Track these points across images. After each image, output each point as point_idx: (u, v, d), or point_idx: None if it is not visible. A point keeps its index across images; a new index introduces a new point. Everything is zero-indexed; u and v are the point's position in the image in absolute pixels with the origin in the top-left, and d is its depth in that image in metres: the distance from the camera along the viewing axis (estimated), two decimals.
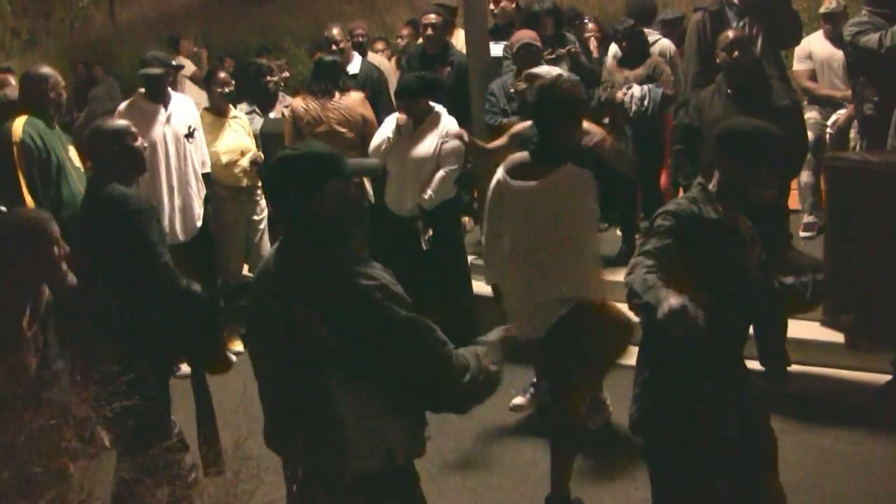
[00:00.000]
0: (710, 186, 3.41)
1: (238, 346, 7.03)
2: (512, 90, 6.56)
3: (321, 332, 2.73)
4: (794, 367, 5.77)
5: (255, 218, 7.21)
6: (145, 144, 4.50)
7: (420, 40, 8.17)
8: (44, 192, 5.71)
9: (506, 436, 5.56)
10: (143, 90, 6.85)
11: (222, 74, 7.25)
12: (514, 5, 8.17)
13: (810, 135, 6.68)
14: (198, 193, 6.86)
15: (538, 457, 5.15)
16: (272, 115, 7.54)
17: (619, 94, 7.29)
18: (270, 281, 2.94)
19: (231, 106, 7.23)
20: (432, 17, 7.70)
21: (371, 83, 7.73)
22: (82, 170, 5.90)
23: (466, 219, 8.38)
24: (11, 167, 5.70)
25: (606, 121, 7.40)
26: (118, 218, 4.23)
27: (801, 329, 5.65)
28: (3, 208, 5.15)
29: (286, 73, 10.04)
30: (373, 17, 14.43)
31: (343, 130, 6.87)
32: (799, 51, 7.60)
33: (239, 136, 7.11)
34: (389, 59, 9.72)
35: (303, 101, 7.02)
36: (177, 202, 6.72)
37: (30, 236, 3.87)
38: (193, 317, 4.32)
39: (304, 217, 2.84)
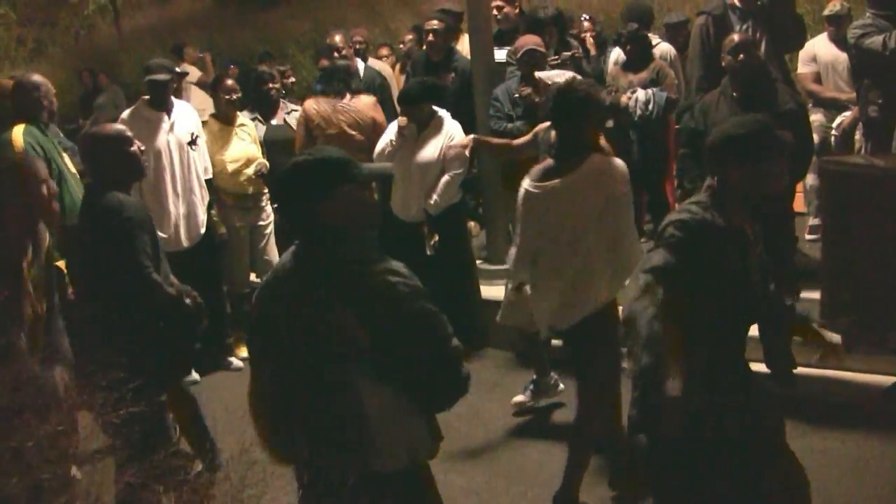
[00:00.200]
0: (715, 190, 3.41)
1: (244, 352, 7.03)
2: (516, 95, 6.57)
3: (353, 332, 2.77)
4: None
5: (261, 224, 7.21)
6: (142, 149, 4.48)
7: (424, 46, 8.19)
8: None
9: (511, 438, 5.57)
10: (146, 97, 6.85)
11: (229, 82, 7.24)
12: (517, 11, 8.18)
13: (815, 137, 6.68)
14: (202, 200, 6.85)
15: (543, 459, 5.15)
16: (274, 121, 7.55)
17: (624, 99, 7.29)
18: (286, 285, 2.96)
19: (238, 113, 7.24)
20: (434, 24, 7.71)
21: (373, 89, 7.75)
22: (78, 177, 5.91)
23: (472, 224, 8.38)
24: None
25: (610, 125, 7.39)
26: (110, 225, 4.23)
27: None
28: None
29: (292, 79, 10.05)
30: (377, 23, 14.46)
31: (354, 133, 6.89)
32: (803, 53, 7.60)
33: (245, 144, 7.11)
34: (393, 65, 9.74)
35: (315, 103, 7.06)
36: (181, 209, 6.72)
37: (16, 175, 3.91)
38: (176, 325, 4.34)
39: (319, 222, 2.86)
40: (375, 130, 6.87)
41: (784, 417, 3.65)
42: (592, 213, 4.48)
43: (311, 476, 2.92)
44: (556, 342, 5.32)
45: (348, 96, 7.02)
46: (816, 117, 7.37)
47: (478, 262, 7.10)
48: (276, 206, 7.32)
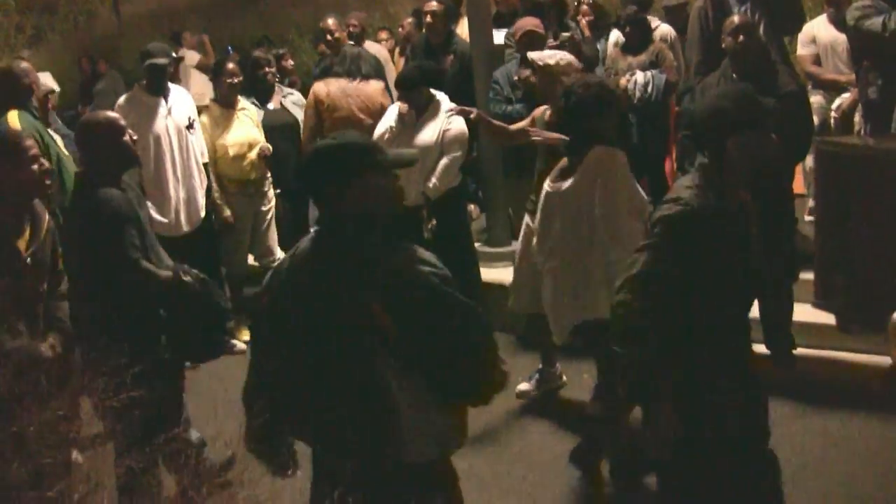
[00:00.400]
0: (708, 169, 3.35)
1: (245, 336, 7.05)
2: (516, 78, 6.56)
3: (379, 322, 2.70)
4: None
5: (263, 209, 7.21)
6: (134, 138, 4.41)
7: (423, 30, 8.18)
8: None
9: (513, 422, 5.57)
10: (143, 82, 6.85)
11: (231, 65, 7.23)
12: None
13: (815, 119, 6.67)
14: (201, 184, 6.88)
15: (544, 442, 5.17)
16: (270, 106, 7.55)
17: (623, 81, 7.28)
18: (303, 272, 2.88)
19: (240, 97, 7.22)
20: (433, 6, 7.69)
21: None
22: (71, 159, 5.92)
23: (472, 207, 8.38)
24: None
25: None
26: (98, 221, 4.16)
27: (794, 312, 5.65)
28: None
29: (290, 62, 10.04)
30: (377, 7, 14.42)
31: (363, 116, 6.94)
32: (803, 35, 7.57)
33: (247, 128, 7.09)
34: (393, 49, 9.72)
35: (324, 85, 7.11)
36: (181, 193, 6.74)
37: (9, 152, 3.90)
38: (180, 307, 4.31)
39: (341, 208, 2.81)
40: (383, 115, 6.89)
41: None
42: (598, 209, 4.57)
43: (321, 467, 2.88)
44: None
45: (358, 80, 7.05)
46: (816, 99, 7.34)
47: (477, 245, 7.10)
48: (278, 191, 7.33)
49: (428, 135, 6.23)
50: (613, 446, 4.78)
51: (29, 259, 3.91)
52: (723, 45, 5.62)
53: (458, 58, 7.53)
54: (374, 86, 7.15)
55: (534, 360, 5.89)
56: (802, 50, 7.65)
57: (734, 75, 5.52)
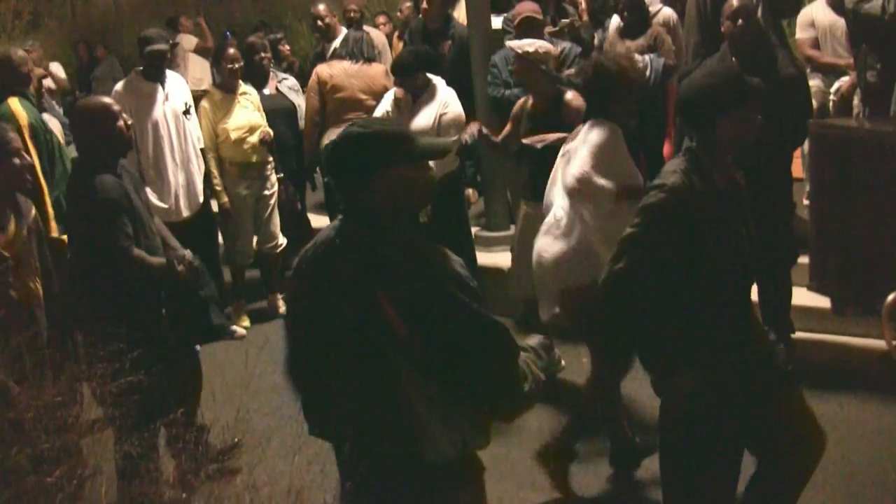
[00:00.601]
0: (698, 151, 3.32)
1: (245, 322, 7.07)
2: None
3: (391, 318, 2.57)
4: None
5: (266, 194, 7.20)
6: (129, 123, 4.41)
7: (421, 14, 8.16)
8: (51, 170, 5.74)
9: None
10: (140, 69, 6.85)
11: (231, 50, 7.23)
12: None
13: (814, 103, 6.65)
14: (199, 169, 6.90)
15: (543, 426, 5.17)
16: (266, 91, 7.54)
17: None
18: (323, 260, 2.74)
19: (241, 82, 7.20)
20: None
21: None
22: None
23: (471, 191, 8.37)
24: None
25: None
26: (90, 208, 4.18)
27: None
28: None
29: (287, 47, 10.01)
30: None
31: (365, 98, 7.02)
32: (801, 19, 7.55)
33: (248, 112, 7.09)
34: (391, 33, 9.70)
35: (328, 67, 7.20)
36: (180, 179, 6.76)
37: None
38: (174, 292, 4.33)
39: (366, 200, 2.65)
40: None
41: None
42: None
43: (354, 462, 2.74)
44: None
45: (361, 62, 7.13)
46: (815, 83, 7.32)
47: (476, 229, 7.09)
48: (279, 176, 7.32)
49: (424, 119, 6.22)
50: (612, 432, 4.79)
51: (9, 255, 3.84)
52: (721, 29, 5.61)
53: (456, 43, 7.52)
54: (377, 68, 7.25)
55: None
56: (801, 33, 7.63)
57: (733, 59, 5.51)
